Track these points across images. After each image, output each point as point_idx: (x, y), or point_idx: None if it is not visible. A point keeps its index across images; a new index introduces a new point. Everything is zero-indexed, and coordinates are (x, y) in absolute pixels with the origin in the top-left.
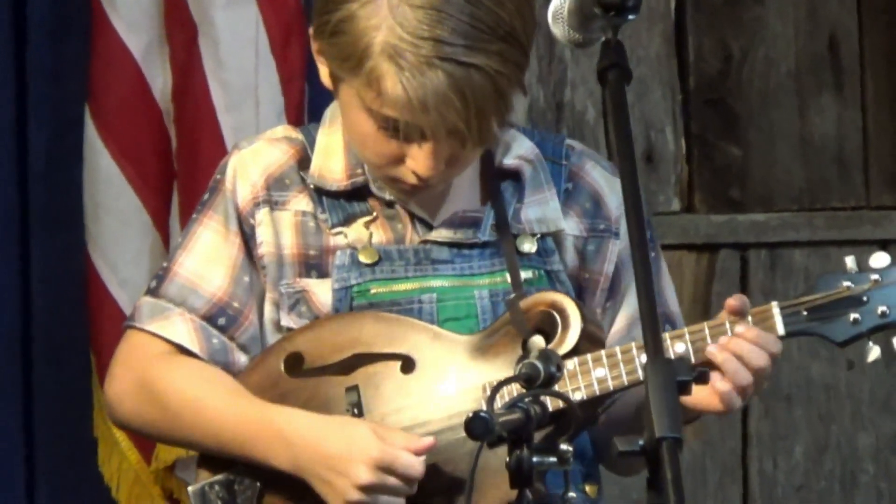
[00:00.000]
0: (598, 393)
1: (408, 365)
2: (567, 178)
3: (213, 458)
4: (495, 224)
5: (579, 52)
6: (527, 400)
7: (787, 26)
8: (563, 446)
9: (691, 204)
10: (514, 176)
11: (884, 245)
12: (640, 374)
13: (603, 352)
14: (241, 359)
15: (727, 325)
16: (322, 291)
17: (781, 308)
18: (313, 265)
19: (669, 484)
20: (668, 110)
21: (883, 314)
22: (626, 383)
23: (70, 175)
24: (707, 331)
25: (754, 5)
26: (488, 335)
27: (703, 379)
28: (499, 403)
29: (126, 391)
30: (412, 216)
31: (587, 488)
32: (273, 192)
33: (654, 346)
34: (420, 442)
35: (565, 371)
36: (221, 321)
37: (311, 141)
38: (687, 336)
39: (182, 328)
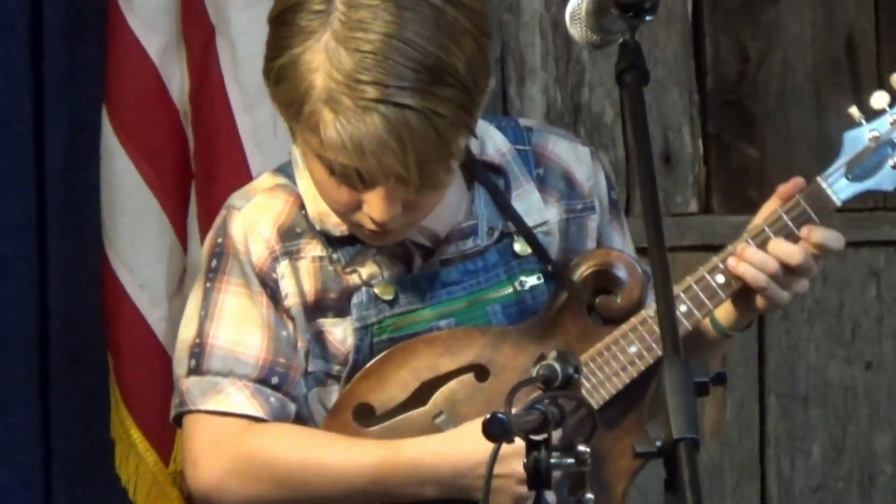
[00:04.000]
0: (689, 329)
1: (481, 373)
2: (535, 162)
3: None
4: (490, 226)
5: (597, 53)
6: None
7: (805, 28)
8: (581, 447)
9: (709, 205)
10: (497, 170)
11: None
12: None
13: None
14: (293, 408)
15: (784, 218)
16: (338, 331)
17: (826, 179)
18: (331, 307)
19: (687, 485)
20: (686, 111)
21: None
22: (699, 317)
23: (87, 176)
24: (767, 229)
25: (771, 7)
26: (550, 314)
27: (721, 380)
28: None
29: (225, 475)
30: (413, 243)
31: None
32: (287, 244)
33: (671, 346)
34: None
35: (649, 320)
36: (275, 380)
37: (295, 184)
38: (747, 236)
39: (240, 397)
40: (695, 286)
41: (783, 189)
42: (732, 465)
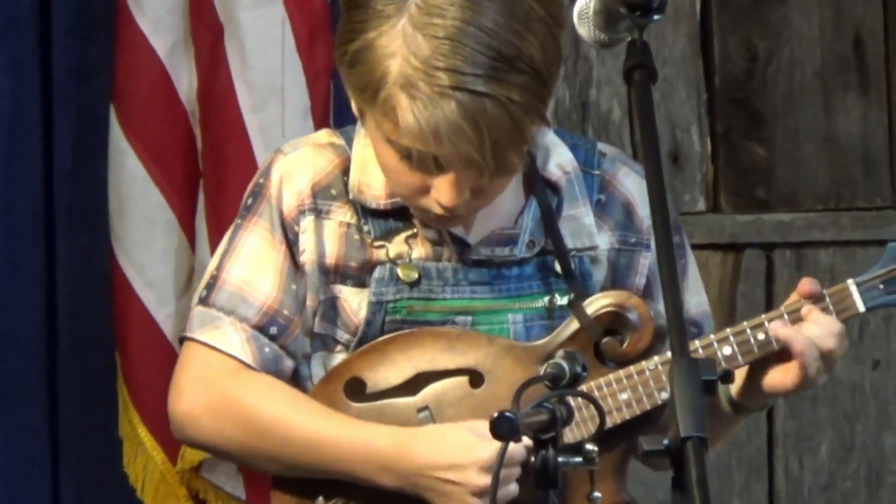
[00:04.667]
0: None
1: (476, 379)
2: (599, 188)
3: (290, 481)
4: (532, 239)
5: (605, 51)
6: (552, 400)
7: (813, 26)
8: (589, 446)
9: (717, 204)
10: (553, 187)
11: None
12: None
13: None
14: (289, 364)
15: (805, 310)
16: (355, 301)
17: (858, 285)
18: (351, 276)
19: (695, 484)
20: (694, 110)
21: None
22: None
23: (95, 174)
24: (786, 316)
25: (779, 5)
26: (556, 340)
27: (728, 378)
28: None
29: (201, 408)
30: (450, 235)
31: None
32: (319, 201)
33: (679, 345)
34: None
35: (648, 372)
36: (273, 330)
37: (351, 148)
38: (731, 338)
39: (235, 339)
40: (732, 337)
41: (804, 287)
42: (740, 464)
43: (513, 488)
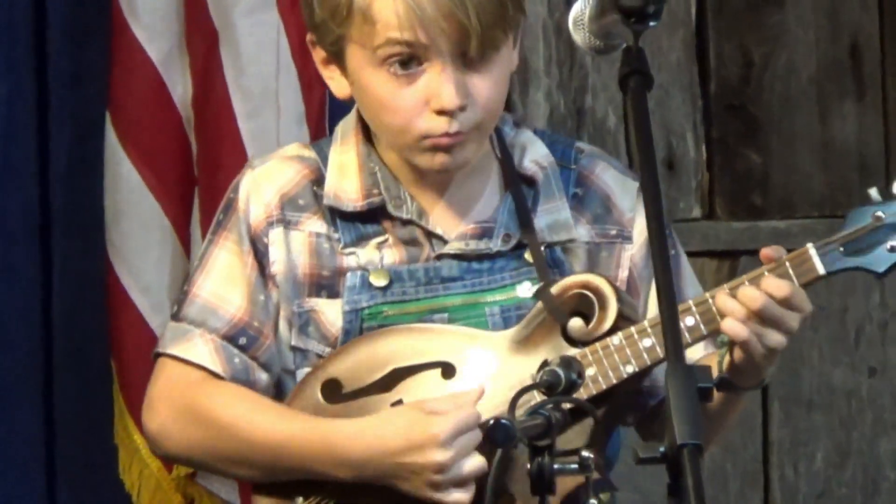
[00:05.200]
0: (647, 363)
1: (448, 370)
2: (576, 182)
3: (270, 483)
4: (507, 233)
5: (600, 58)
6: (548, 406)
7: (809, 32)
8: (585, 453)
9: (712, 210)
10: (530, 182)
11: None
12: (688, 337)
13: (646, 322)
14: (263, 377)
15: (765, 275)
16: (331, 312)
17: (817, 248)
18: (325, 286)
19: (690, 491)
20: (689, 116)
21: None
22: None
23: (90, 180)
24: (747, 283)
25: (775, 11)
26: (525, 327)
27: (724, 385)
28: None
29: (168, 420)
30: (428, 234)
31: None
32: (287, 212)
33: (674, 352)
34: (468, 396)
35: (612, 346)
36: (242, 341)
37: (325, 158)
38: (728, 290)
39: (203, 349)
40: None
41: (766, 252)
42: (736, 471)
43: (478, 460)
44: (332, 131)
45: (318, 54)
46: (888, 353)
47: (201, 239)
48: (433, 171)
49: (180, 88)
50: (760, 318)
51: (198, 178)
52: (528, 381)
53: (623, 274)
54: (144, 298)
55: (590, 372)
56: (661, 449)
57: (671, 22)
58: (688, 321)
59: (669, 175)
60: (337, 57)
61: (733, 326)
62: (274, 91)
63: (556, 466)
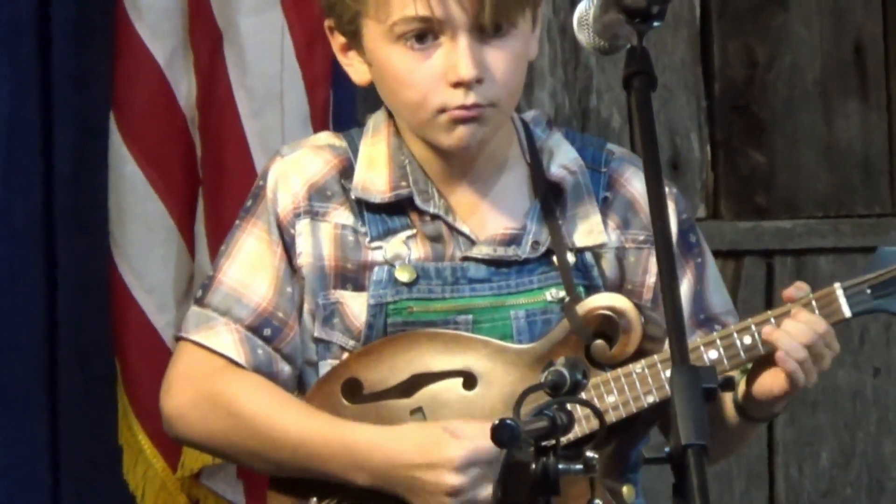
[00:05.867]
0: (669, 394)
1: (469, 381)
2: (606, 185)
3: (286, 482)
4: (536, 240)
5: (605, 58)
6: (553, 408)
7: (813, 32)
8: (589, 453)
9: (717, 210)
10: (559, 187)
11: None
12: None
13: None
14: (286, 369)
15: (791, 313)
16: (356, 305)
17: (845, 289)
18: (350, 278)
19: (695, 491)
20: (694, 117)
21: None
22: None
23: (95, 180)
24: (773, 320)
25: (779, 12)
26: (548, 344)
27: (729, 386)
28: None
29: (188, 405)
30: (455, 231)
31: (624, 489)
32: (314, 203)
33: (679, 353)
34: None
35: (635, 374)
36: (267, 332)
37: (355, 149)
38: (753, 327)
39: (227, 339)
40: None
41: (789, 293)
42: (741, 471)
43: (484, 492)
44: (336, 131)
45: (337, 41)
46: (893, 353)
47: (206, 238)
48: (453, 147)
49: (184, 88)
50: (810, 352)
51: (202, 177)
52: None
53: (651, 280)
54: (149, 298)
55: (610, 400)
56: (667, 449)
57: (675, 22)
58: (711, 354)
59: (674, 175)
60: (354, 37)
61: (787, 360)
62: (278, 91)
63: (560, 467)
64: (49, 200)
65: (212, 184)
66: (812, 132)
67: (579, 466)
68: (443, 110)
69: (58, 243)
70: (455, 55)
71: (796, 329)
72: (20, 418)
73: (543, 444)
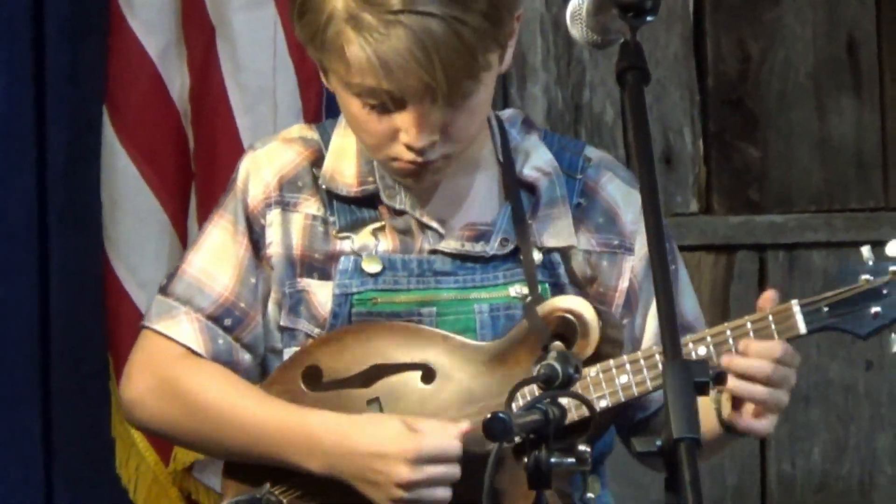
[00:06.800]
0: (622, 400)
1: (428, 374)
2: (580, 192)
3: (241, 468)
4: (505, 237)
5: (598, 53)
6: (545, 401)
7: (806, 27)
8: (582, 447)
9: (709, 205)
10: (531, 188)
11: None
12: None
13: (626, 357)
14: (246, 358)
15: (748, 326)
16: (322, 293)
17: (802, 306)
18: (317, 267)
19: (687, 485)
20: (687, 111)
21: None
22: (650, 388)
23: (88, 176)
24: (729, 332)
25: (773, 6)
26: (507, 342)
27: (720, 380)
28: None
29: (146, 391)
30: (423, 226)
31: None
32: (285, 194)
33: (671, 347)
34: (456, 429)
35: (588, 378)
36: (227, 322)
37: (327, 140)
38: (709, 339)
39: (188, 328)
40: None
41: (767, 296)
42: (733, 465)
43: (447, 494)
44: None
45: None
46: (885, 348)
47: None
48: (406, 185)
49: (178, 83)
50: (770, 383)
51: (195, 172)
52: (501, 398)
53: (623, 284)
54: (142, 293)
55: (564, 401)
56: (658, 443)
57: (669, 17)
58: (700, 350)
59: (667, 170)
60: (323, 71)
61: (753, 403)
62: (271, 86)
63: (553, 460)
64: (42, 195)
65: (205, 178)
66: (805, 127)
67: (571, 460)
68: (395, 159)
69: (51, 238)
70: (409, 122)
71: (750, 368)
72: (13, 412)
73: (535, 437)
